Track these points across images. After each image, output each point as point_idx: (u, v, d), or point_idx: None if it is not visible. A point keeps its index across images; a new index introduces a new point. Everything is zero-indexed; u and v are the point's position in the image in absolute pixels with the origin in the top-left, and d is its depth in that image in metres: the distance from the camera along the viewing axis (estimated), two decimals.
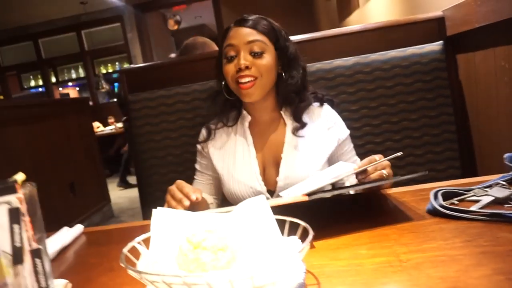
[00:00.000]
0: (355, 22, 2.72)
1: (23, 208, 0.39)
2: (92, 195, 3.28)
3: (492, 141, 1.13)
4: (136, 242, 0.47)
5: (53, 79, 6.60)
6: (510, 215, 0.54)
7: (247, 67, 0.91)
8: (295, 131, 0.98)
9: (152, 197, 1.33)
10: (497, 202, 0.60)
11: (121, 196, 4.18)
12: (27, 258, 0.39)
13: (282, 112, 1.03)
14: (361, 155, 1.08)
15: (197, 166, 1.11)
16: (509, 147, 1.05)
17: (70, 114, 3.14)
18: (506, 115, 1.03)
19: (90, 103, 5.80)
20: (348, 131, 1.06)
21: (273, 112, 1.03)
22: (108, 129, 5.45)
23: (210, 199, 1.09)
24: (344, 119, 1.09)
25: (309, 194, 0.60)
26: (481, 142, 1.20)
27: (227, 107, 1.03)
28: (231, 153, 1.02)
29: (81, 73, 6.62)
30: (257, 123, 1.03)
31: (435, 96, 1.22)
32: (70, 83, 7.33)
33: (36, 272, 0.41)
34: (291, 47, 0.99)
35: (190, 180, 1.29)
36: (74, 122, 3.17)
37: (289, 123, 1.01)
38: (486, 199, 0.61)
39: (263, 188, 0.98)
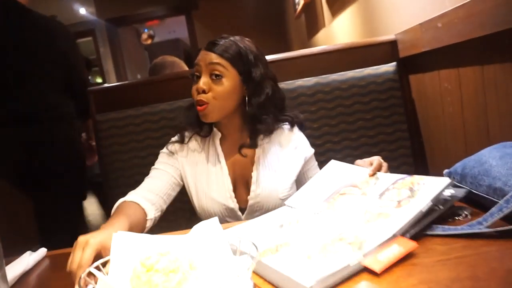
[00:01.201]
0: (322, 40, 2.84)
1: None
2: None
3: (443, 155, 1.22)
4: (93, 268, 0.50)
5: None
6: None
7: (203, 91, 0.96)
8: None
9: None
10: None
11: (94, 212, 4.08)
12: None
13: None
14: None
15: (156, 165, 1.06)
16: (456, 160, 1.14)
17: None
18: (452, 131, 1.12)
19: None
20: (312, 150, 1.11)
21: (242, 132, 1.06)
22: None
23: (150, 209, 0.96)
24: (307, 136, 1.14)
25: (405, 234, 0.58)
26: (434, 155, 1.29)
27: (199, 120, 1.04)
28: (203, 170, 1.04)
29: None
30: (228, 141, 1.06)
31: (390, 113, 1.31)
32: None
33: None
34: (256, 72, 1.00)
35: None
36: None
37: (259, 142, 1.04)
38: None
39: (236, 206, 1.01)
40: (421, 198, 0.64)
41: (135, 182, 1.33)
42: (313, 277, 0.50)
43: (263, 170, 1.03)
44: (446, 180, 0.65)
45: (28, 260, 0.77)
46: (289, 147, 1.06)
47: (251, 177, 1.03)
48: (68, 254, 0.88)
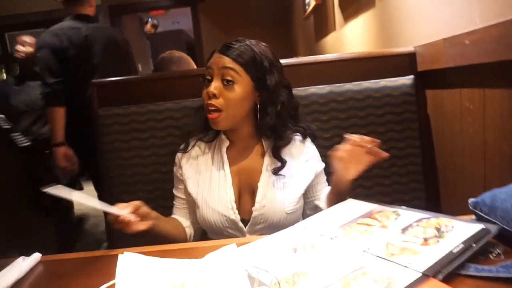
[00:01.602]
0: (331, 44, 2.79)
1: None
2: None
3: (456, 175, 1.18)
4: None
5: None
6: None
7: (214, 95, 0.92)
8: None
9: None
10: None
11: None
12: None
13: (262, 140, 1.02)
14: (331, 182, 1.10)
15: (174, 191, 1.09)
16: (470, 181, 1.11)
17: None
18: (469, 152, 1.08)
19: None
20: (323, 164, 1.07)
21: (251, 139, 1.03)
22: None
23: (185, 222, 1.07)
24: (318, 146, 1.10)
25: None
26: (446, 175, 1.25)
27: (207, 123, 1.01)
28: (206, 179, 1.01)
29: None
30: (235, 147, 1.02)
31: (404, 128, 1.26)
32: None
33: None
34: (271, 80, 0.96)
35: (159, 200, 1.26)
36: None
37: (268, 153, 1.00)
38: None
39: (237, 217, 0.97)
40: (451, 240, 0.60)
41: (135, 182, 1.29)
42: None
43: (270, 180, 0.98)
44: (478, 226, 0.62)
45: (21, 266, 0.72)
46: (300, 160, 1.02)
47: (257, 187, 0.98)
48: (63, 261, 0.83)
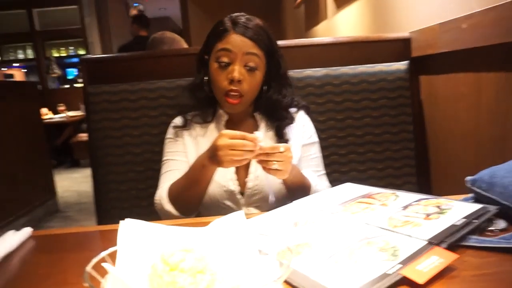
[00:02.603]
0: (322, 32, 2.78)
1: None
2: (35, 188, 3.05)
3: (448, 160, 1.20)
4: (102, 257, 0.43)
5: None
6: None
7: (239, 81, 0.90)
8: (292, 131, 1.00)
9: (108, 197, 1.25)
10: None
11: (69, 189, 3.93)
12: None
13: (255, 114, 1.03)
14: (325, 165, 1.10)
15: (169, 156, 1.02)
16: (463, 166, 1.12)
17: (14, 99, 2.88)
18: (462, 137, 1.10)
19: (39, 87, 5.39)
20: (316, 138, 1.07)
21: (247, 114, 1.04)
22: (58, 117, 5.10)
23: None
24: None
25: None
26: (438, 160, 1.27)
27: (205, 102, 1.00)
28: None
29: (30, 54, 6.15)
30: (232, 122, 1.02)
31: (398, 113, 1.27)
32: (16, 64, 6.77)
33: None
34: (281, 63, 0.98)
35: (150, 181, 1.23)
36: (18, 107, 2.92)
37: (262, 125, 1.02)
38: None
39: (237, 188, 0.97)
40: (452, 215, 0.61)
41: (124, 162, 1.26)
42: (350, 286, 0.45)
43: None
44: (478, 206, 0.63)
45: (11, 240, 0.69)
46: (294, 132, 1.02)
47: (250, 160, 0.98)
48: (55, 236, 0.80)
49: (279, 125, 1.00)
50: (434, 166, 1.29)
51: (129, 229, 0.47)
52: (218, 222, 0.49)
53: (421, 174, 1.29)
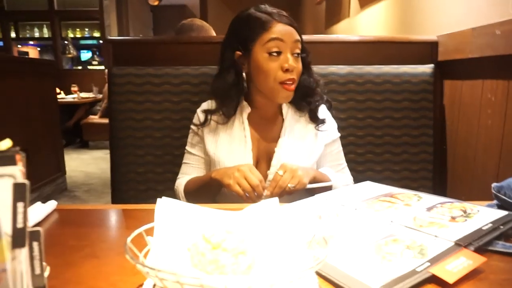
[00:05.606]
0: (342, 31, 2.76)
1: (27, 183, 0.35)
2: (46, 165, 3.08)
3: (466, 166, 1.20)
4: (142, 230, 0.44)
5: (13, 34, 6.09)
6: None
7: (293, 69, 0.93)
8: (319, 128, 1.02)
9: (125, 178, 1.27)
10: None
11: (77, 169, 3.97)
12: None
13: (282, 107, 1.03)
14: None
15: (188, 148, 1.08)
16: (481, 173, 1.12)
17: (31, 76, 2.91)
18: (485, 144, 1.09)
19: None
20: (338, 134, 1.08)
21: (272, 105, 1.02)
22: (70, 98, 5.14)
23: None
24: None
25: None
26: (455, 165, 1.27)
27: (231, 93, 0.98)
28: (226, 142, 1.00)
29: (46, 33, 6.18)
30: (256, 115, 1.02)
31: (419, 116, 1.27)
32: (31, 42, 6.81)
33: (31, 257, 0.37)
34: (307, 51, 1.00)
35: (167, 165, 1.25)
36: (35, 84, 2.94)
37: (288, 119, 1.02)
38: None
39: None
40: (479, 219, 0.61)
41: (144, 145, 1.27)
42: (379, 279, 0.45)
43: (287, 146, 0.99)
44: (504, 212, 0.63)
45: (39, 211, 0.70)
46: (315, 127, 1.03)
47: (273, 152, 0.99)
48: (79, 212, 0.82)
49: (314, 109, 1.02)
50: (451, 171, 1.28)
51: (166, 207, 0.48)
52: (253, 208, 0.50)
53: (437, 178, 1.29)
